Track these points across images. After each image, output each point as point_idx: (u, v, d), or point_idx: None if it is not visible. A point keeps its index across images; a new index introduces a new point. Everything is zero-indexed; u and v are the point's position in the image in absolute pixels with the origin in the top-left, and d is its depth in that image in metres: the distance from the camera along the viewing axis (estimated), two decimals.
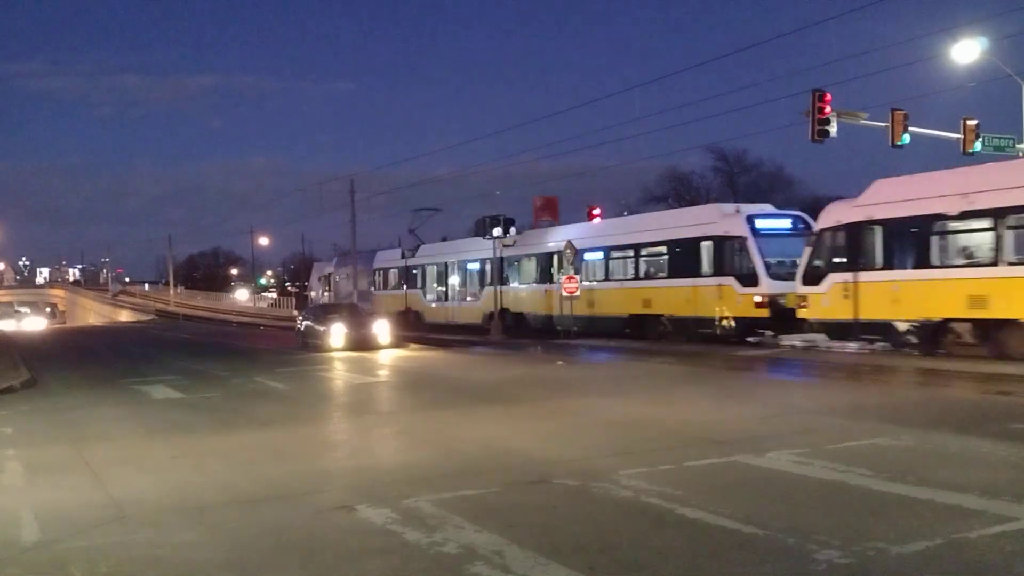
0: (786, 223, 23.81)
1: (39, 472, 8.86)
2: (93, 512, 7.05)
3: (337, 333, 26.34)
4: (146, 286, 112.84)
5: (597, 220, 33.32)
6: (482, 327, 32.50)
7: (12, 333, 52.14)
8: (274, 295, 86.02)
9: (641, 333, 25.86)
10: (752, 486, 7.30)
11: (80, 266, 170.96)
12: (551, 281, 29.50)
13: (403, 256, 40.44)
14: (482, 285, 34.10)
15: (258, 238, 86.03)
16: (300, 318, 30.85)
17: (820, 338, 20.35)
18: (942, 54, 22.94)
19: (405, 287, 39.43)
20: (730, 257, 22.90)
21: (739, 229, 22.79)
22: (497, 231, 30.96)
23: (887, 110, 23.12)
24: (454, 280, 36.57)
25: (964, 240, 17.60)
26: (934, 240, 17.86)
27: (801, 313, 20.50)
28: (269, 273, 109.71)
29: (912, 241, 18.11)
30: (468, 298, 35.12)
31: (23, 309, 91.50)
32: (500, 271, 32.41)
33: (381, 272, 42.56)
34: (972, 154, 23.22)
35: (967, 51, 22.50)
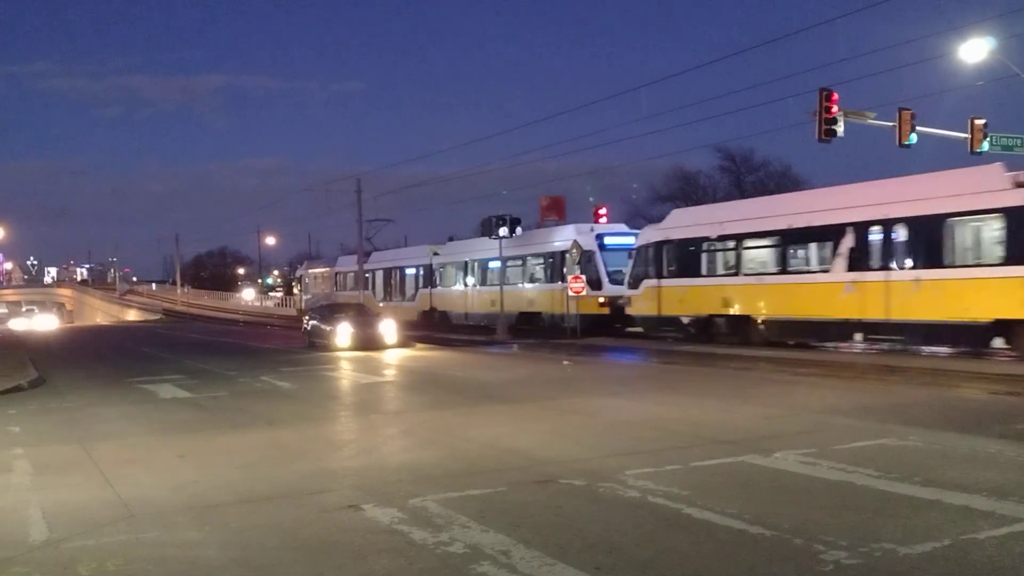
0: (629, 240, 29.01)
1: (47, 471, 8.89)
2: (101, 511, 7.07)
3: (344, 333, 26.38)
4: (153, 285, 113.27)
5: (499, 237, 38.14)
6: (417, 323, 38.54)
7: (23, 332, 52.33)
8: (280, 294, 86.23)
9: (527, 329, 31.79)
10: (759, 486, 7.29)
11: (88, 265, 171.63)
12: (467, 285, 36.61)
13: (358, 262, 46.23)
14: (416, 288, 40.67)
15: (265, 238, 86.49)
16: (307, 318, 30.91)
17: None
18: (950, 53, 22.84)
19: (360, 289, 45.53)
20: (583, 266, 28.33)
21: (590, 244, 29.12)
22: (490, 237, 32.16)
23: (895, 109, 23.06)
24: (396, 283, 43.35)
25: (720, 257, 23.85)
26: (703, 256, 24.20)
27: (627, 311, 27.13)
28: (276, 272, 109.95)
29: (691, 257, 24.49)
30: (407, 299, 41.50)
31: (30, 308, 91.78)
32: (431, 276, 39.13)
33: (342, 275, 49.59)
34: (980, 153, 23.12)
35: (975, 50, 22.40)
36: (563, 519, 6.40)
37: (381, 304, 42.32)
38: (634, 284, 26.37)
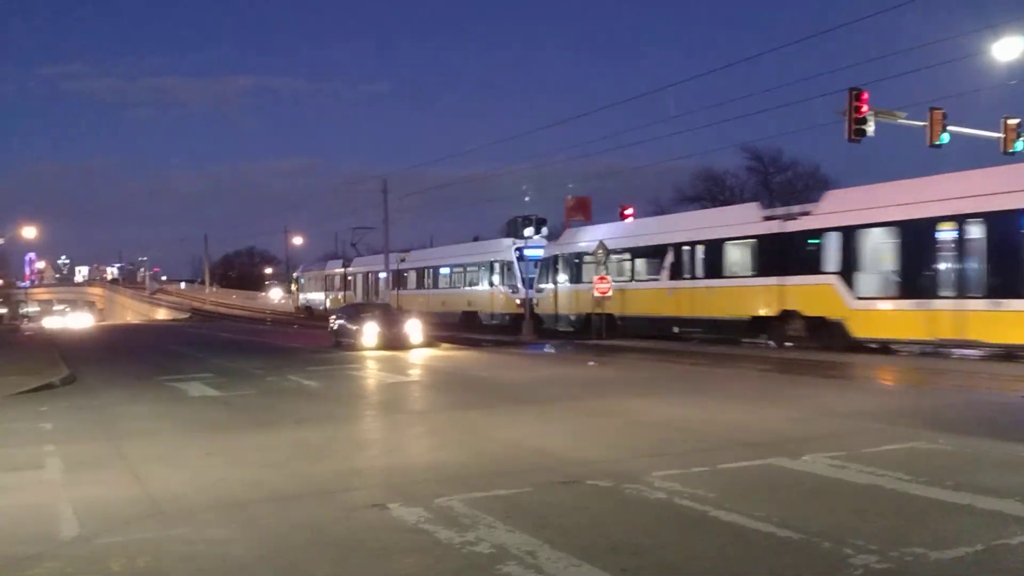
0: (540, 252, 34.02)
1: (78, 468, 9.01)
2: (130, 507, 7.16)
3: (370, 332, 26.50)
4: (182, 285, 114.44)
5: (452, 246, 45.85)
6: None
7: (57, 330, 53.10)
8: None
9: (469, 325, 37.22)
10: (787, 489, 7.23)
11: (118, 265, 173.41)
12: (426, 287, 43.18)
13: (343, 266, 53.85)
14: (387, 289, 46.51)
15: (292, 237, 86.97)
16: (333, 317, 31.09)
17: None
18: (983, 52, 22.51)
19: (344, 290, 53.03)
20: (505, 274, 35.67)
21: (510, 256, 35.41)
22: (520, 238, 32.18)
23: (926, 109, 22.75)
24: (371, 285, 49.95)
25: (594, 268, 27.40)
26: (583, 268, 29.82)
27: (536, 310, 32.69)
28: None
29: (575, 267, 30.57)
30: (380, 299, 45.97)
31: (63, 307, 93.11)
32: (398, 281, 45.95)
33: (330, 278, 56.77)
34: (1012, 153, 22.75)
35: (1009, 49, 22.04)
36: (589, 520, 6.39)
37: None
38: (539, 289, 32.96)
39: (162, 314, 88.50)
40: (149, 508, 7.13)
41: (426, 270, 42.93)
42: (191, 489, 7.82)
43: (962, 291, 18.48)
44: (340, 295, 52.79)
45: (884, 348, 21.15)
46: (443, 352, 25.41)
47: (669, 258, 26.44)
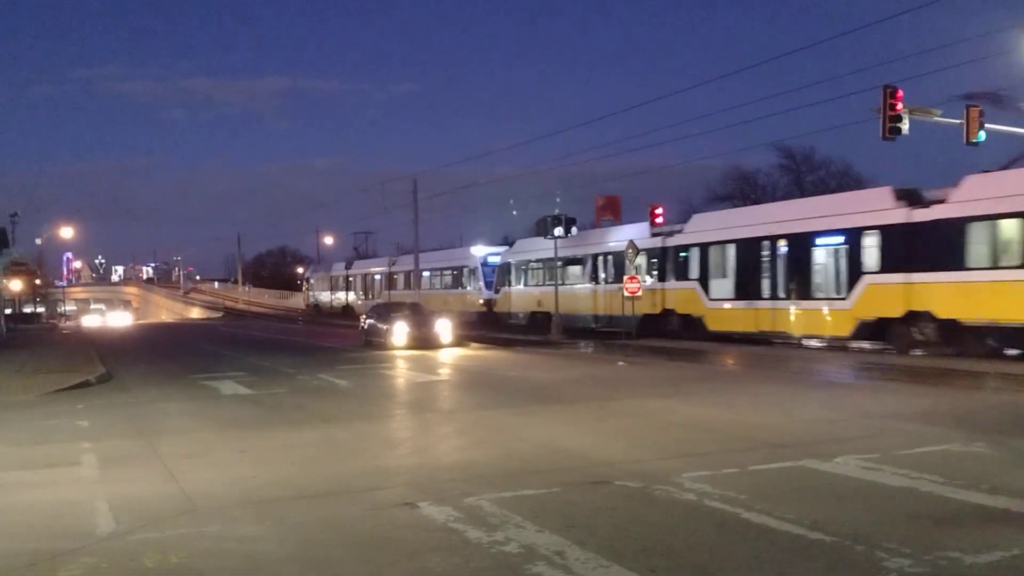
0: (500, 259, 39.13)
1: (113, 465, 9.15)
2: (164, 504, 7.26)
3: (399, 331, 26.61)
4: (216, 284, 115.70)
5: (432, 252, 51.56)
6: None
7: (96, 329, 53.90)
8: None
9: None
10: (818, 491, 7.16)
11: (153, 264, 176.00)
12: (411, 288, 46.50)
13: (346, 268, 60.46)
14: (381, 290, 52.46)
15: (323, 237, 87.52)
16: (364, 316, 31.27)
17: None
18: (1021, 48, 22.11)
19: (346, 290, 59.32)
20: (472, 278, 41.57)
21: (475, 263, 41.30)
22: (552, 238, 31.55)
23: (962, 106, 22.40)
24: (369, 285, 55.40)
25: (538, 273, 35.16)
26: (529, 273, 35.84)
27: (494, 309, 38.16)
28: None
29: (522, 273, 36.25)
30: (377, 297, 51.99)
31: (99, 306, 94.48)
32: (389, 282, 52.01)
33: (334, 278, 62.22)
34: None
35: None
36: (618, 521, 6.37)
37: (360, 302, 54.77)
38: (497, 290, 38.26)
39: (196, 313, 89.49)
40: (182, 505, 7.22)
41: (411, 273, 47.34)
42: (223, 486, 7.91)
43: (774, 294, 23.59)
44: (342, 294, 59.96)
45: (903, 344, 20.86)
46: (472, 352, 25.47)
47: (589, 265, 31.94)
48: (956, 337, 19.15)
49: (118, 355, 26.77)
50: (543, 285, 34.30)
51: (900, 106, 21.28)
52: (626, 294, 26.43)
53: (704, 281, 26.01)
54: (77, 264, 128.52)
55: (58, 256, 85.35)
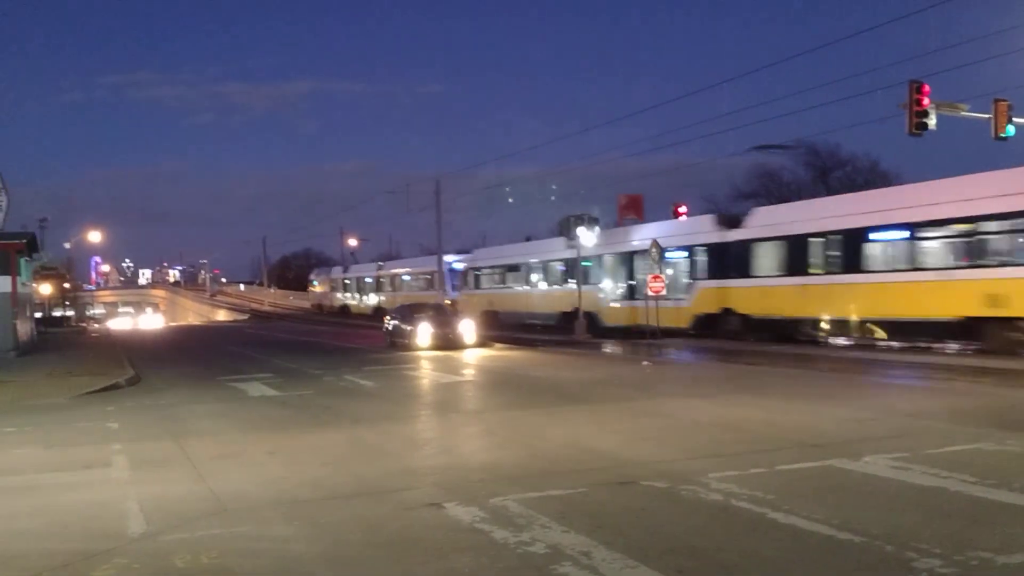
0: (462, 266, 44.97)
1: (144, 466, 9.27)
2: (195, 505, 7.35)
3: (424, 332, 26.70)
4: (241, 286, 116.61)
5: (409, 259, 60.50)
6: (371, 316, 55.64)
7: (125, 331, 54.49)
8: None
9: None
10: (847, 491, 7.11)
11: (180, 267, 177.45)
12: (396, 290, 55.41)
13: (343, 271, 67.58)
14: (371, 292, 60.58)
15: (348, 239, 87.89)
16: (388, 318, 31.42)
17: None
18: None
19: (344, 291, 66.15)
20: (440, 281, 46.16)
21: (442, 268, 45.87)
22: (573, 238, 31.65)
23: (990, 101, 22.11)
24: (360, 288, 62.88)
25: (492, 278, 40.55)
26: (484, 278, 41.19)
27: (458, 308, 39.74)
28: None
29: (478, 278, 41.60)
30: (366, 300, 61.13)
31: (127, 308, 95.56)
32: (378, 285, 59.50)
33: (334, 280, 68.97)
34: None
35: None
36: (645, 521, 6.37)
37: (360, 304, 62.87)
38: (458, 291, 44.25)
39: (222, 315, 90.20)
40: (213, 506, 7.31)
41: (395, 276, 56.54)
42: (253, 487, 7.99)
43: (643, 295, 27.70)
44: (340, 295, 66.89)
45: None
46: (496, 352, 25.50)
47: (524, 272, 37.93)
48: (752, 327, 25.06)
49: (146, 357, 27.07)
50: (493, 288, 40.57)
51: (927, 101, 21.05)
52: (649, 293, 26.53)
53: (604, 285, 32.04)
54: (105, 268, 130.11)
55: (87, 260, 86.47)
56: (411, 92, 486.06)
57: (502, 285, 39.18)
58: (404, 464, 9.05)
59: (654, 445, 9.56)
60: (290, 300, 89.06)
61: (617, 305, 31.02)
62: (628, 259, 30.67)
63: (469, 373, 19.74)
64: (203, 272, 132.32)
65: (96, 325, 66.66)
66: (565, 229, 32.80)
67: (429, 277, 49.96)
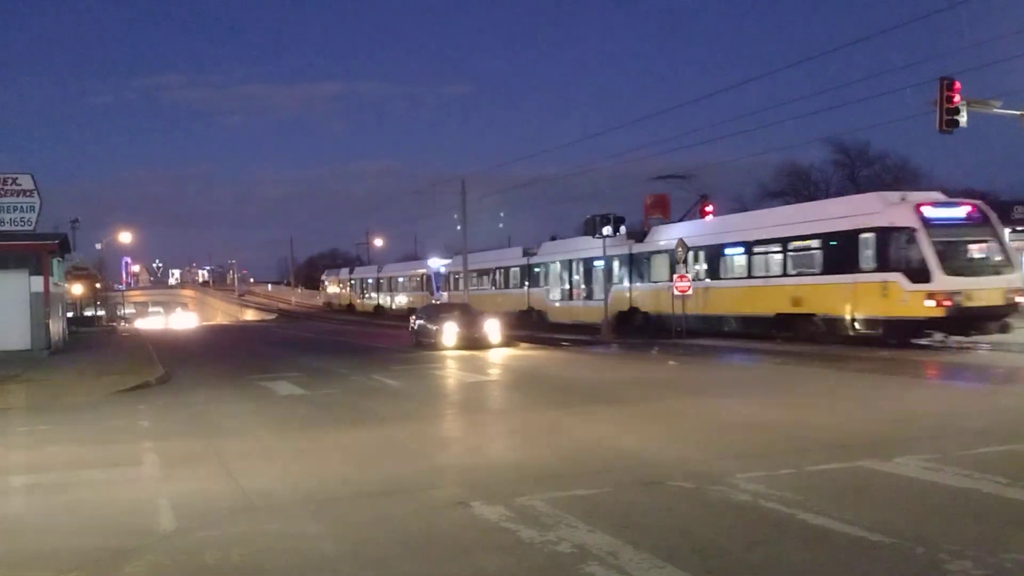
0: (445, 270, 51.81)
1: (174, 464, 9.37)
2: (225, 502, 7.42)
3: (449, 332, 26.75)
4: (269, 286, 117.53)
5: (404, 263, 68.00)
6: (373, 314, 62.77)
7: (155, 331, 55.13)
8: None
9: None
10: (878, 492, 7.04)
11: (208, 267, 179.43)
12: (392, 290, 61.91)
13: (350, 272, 74.06)
14: (372, 291, 66.24)
15: (373, 239, 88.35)
16: (414, 317, 31.52)
17: None
18: None
19: (350, 290, 72.25)
20: (428, 283, 53.13)
21: (430, 271, 53.53)
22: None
23: (1022, 98, 21.82)
24: (364, 287, 68.52)
25: (460, 282, 45.30)
26: (457, 280, 46.18)
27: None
28: None
29: (455, 281, 47.03)
30: (368, 299, 66.71)
31: (156, 308, 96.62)
32: (377, 285, 65.04)
33: (341, 281, 75.00)
34: None
35: None
36: (672, 521, 6.34)
37: (358, 300, 69.34)
38: (442, 294, 49.48)
39: (250, 315, 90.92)
40: (242, 503, 7.37)
41: (392, 278, 62.22)
42: (281, 485, 8.06)
43: (576, 297, 35.70)
44: (347, 294, 72.67)
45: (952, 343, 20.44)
46: (522, 352, 25.50)
47: (491, 276, 44.41)
48: (651, 323, 30.56)
49: (176, 356, 27.34)
50: (469, 290, 45.71)
51: (958, 98, 20.80)
52: (676, 293, 26.65)
53: (548, 288, 38.03)
54: (136, 268, 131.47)
55: (118, 260, 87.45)
56: (437, 93, 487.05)
57: (476, 287, 44.87)
58: (431, 463, 9.08)
59: (681, 445, 9.51)
60: (316, 300, 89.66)
61: (559, 305, 37.00)
62: (568, 265, 36.60)
63: (495, 373, 19.76)
64: (231, 272, 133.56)
65: (124, 324, 67.42)
66: (591, 228, 32.77)
67: (419, 279, 56.21)
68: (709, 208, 34.35)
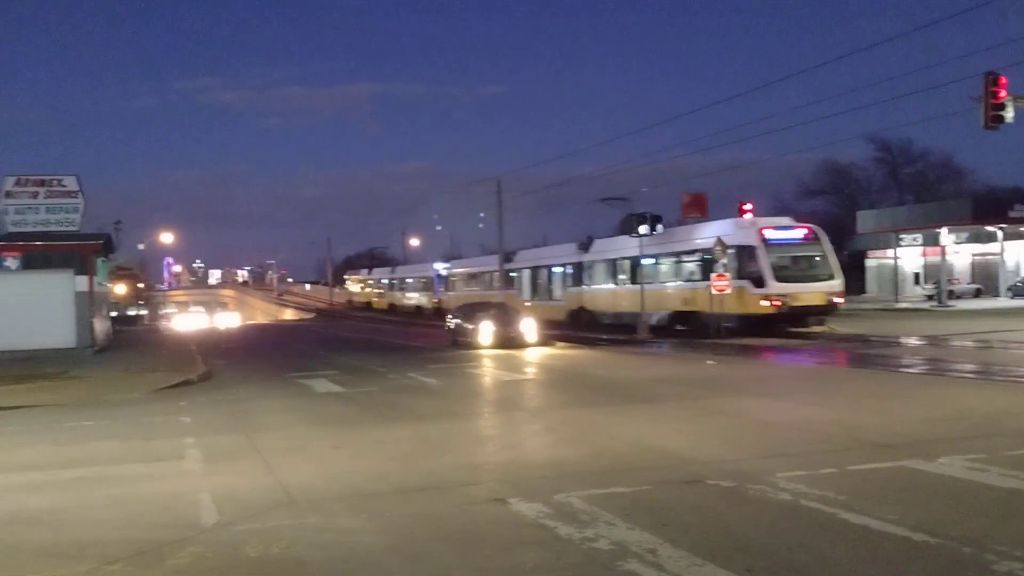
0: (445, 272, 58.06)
1: (215, 459, 9.50)
2: (265, 497, 7.50)
3: (485, 331, 26.77)
4: (307, 286, 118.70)
5: (410, 266, 73.65)
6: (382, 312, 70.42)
7: (198, 330, 55.90)
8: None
9: (419, 315, 60.36)
10: (921, 492, 6.91)
11: (248, 267, 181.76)
12: (402, 290, 68.33)
13: (368, 272, 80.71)
14: (386, 290, 72.27)
15: (409, 239, 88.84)
16: (450, 316, 31.61)
17: None
18: None
19: (370, 289, 78.29)
20: (431, 284, 58.46)
21: (432, 273, 58.99)
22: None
23: None
24: (380, 287, 74.95)
25: (462, 283, 53.55)
26: (460, 282, 53.98)
27: (442, 305, 52.72)
28: None
29: (460, 283, 53.57)
30: (383, 298, 72.56)
31: (197, 308, 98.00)
32: (391, 285, 70.61)
33: (363, 281, 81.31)
34: None
35: None
36: (711, 520, 6.28)
37: (375, 298, 75.76)
38: (442, 292, 55.60)
39: (289, 314, 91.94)
40: (282, 498, 7.45)
41: (402, 279, 68.34)
42: (320, 480, 8.13)
43: (545, 296, 41.57)
44: (367, 291, 78.77)
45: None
46: (558, 351, 25.45)
47: (477, 279, 49.94)
48: (596, 320, 35.76)
49: (216, 355, 27.72)
50: (461, 291, 51.20)
51: (1003, 94, 20.36)
52: (714, 292, 26.65)
53: (522, 290, 43.81)
54: (177, 268, 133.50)
55: (160, 260, 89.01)
56: (471, 93, 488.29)
57: (466, 288, 50.51)
58: (468, 460, 9.09)
59: (719, 444, 9.42)
60: (354, 299, 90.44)
61: (530, 304, 41.09)
62: (534, 271, 43.33)
63: (531, 371, 19.74)
64: (270, 272, 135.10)
65: (165, 323, 68.43)
66: (627, 227, 32.75)
67: (424, 280, 61.55)
68: (747, 207, 34.03)
